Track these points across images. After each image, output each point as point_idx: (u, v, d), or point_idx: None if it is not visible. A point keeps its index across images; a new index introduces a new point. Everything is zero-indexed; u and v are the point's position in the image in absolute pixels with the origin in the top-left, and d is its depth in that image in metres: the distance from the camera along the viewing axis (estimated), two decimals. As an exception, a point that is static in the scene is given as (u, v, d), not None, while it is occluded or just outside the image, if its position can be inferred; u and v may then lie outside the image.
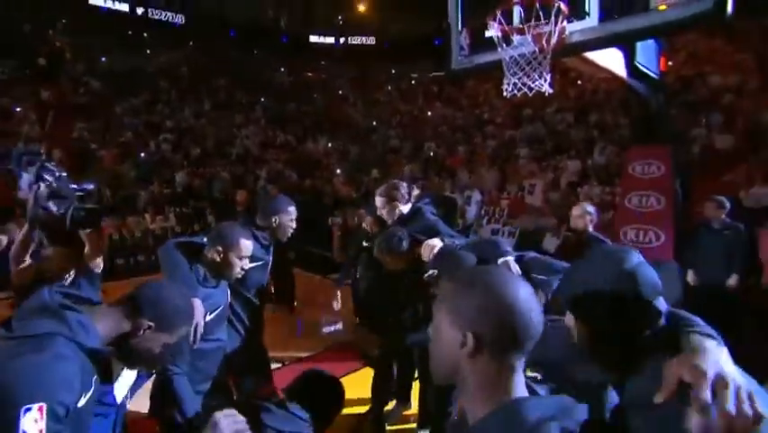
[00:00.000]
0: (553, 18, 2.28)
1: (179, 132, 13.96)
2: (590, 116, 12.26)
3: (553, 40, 2.33)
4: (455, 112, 17.14)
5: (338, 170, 13.48)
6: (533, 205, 7.66)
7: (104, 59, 16.96)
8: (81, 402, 1.21)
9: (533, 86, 2.43)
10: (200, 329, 1.87)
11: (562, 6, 2.30)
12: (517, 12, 2.44)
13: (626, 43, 2.94)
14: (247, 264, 2.06)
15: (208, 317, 1.94)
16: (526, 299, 0.82)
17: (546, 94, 2.44)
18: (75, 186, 1.84)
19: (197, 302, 1.85)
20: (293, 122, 17.31)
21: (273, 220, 2.53)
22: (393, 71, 21.79)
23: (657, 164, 4.66)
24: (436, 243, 2.57)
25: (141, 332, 1.32)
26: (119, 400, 1.53)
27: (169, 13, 19.95)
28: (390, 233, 2.68)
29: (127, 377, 1.56)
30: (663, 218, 4.75)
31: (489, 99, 16.80)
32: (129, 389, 1.60)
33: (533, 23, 2.24)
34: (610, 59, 3.06)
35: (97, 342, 1.28)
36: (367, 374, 3.42)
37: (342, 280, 4.15)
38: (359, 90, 21.17)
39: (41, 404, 1.08)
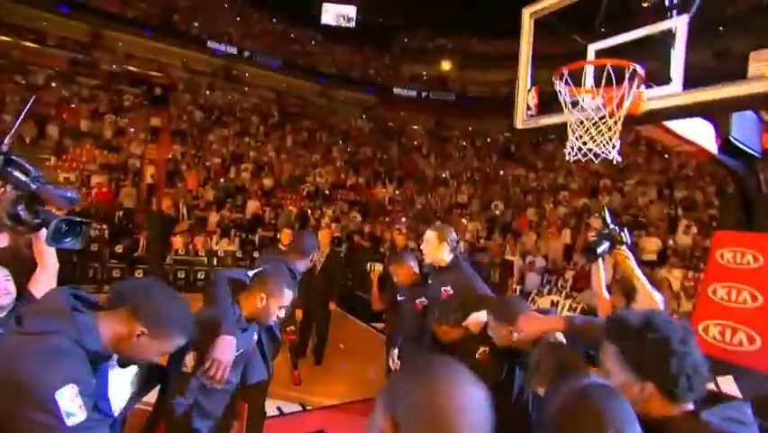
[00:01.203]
0: (626, 82, 2.09)
1: (259, 164, 14.89)
2: (676, 192, 11.34)
3: (626, 104, 2.13)
4: (529, 173, 16.72)
5: (403, 218, 13.52)
6: (618, 289, 7.05)
7: (207, 92, 18.84)
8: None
9: (599, 152, 2.22)
10: (228, 369, 1.78)
11: (639, 69, 2.11)
12: (589, 72, 2.27)
13: (716, 115, 2.61)
14: (283, 313, 2.00)
15: None
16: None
17: (615, 162, 2.21)
18: (59, 192, 1.45)
19: (233, 342, 1.80)
20: (366, 166, 17.84)
21: (311, 257, 2.51)
22: (470, 128, 21.96)
23: (753, 254, 4.06)
24: (483, 316, 2.37)
25: (135, 338, 1.30)
26: (114, 411, 1.48)
27: (269, 57, 22.04)
28: (445, 303, 2.51)
29: (122, 389, 1.52)
30: (759, 319, 4.08)
31: (565, 164, 16.25)
32: (125, 404, 1.56)
33: (603, 85, 2.06)
34: (698, 131, 2.72)
35: (99, 346, 1.28)
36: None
37: (396, 341, 3.56)
38: (434, 143, 21.51)
39: (71, 385, 1.12)
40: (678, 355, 1.06)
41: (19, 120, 1.77)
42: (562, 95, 2.22)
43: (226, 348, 1.78)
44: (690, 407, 1.11)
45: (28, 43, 16.93)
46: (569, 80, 2.19)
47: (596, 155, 2.22)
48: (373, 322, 6.59)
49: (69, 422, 1.08)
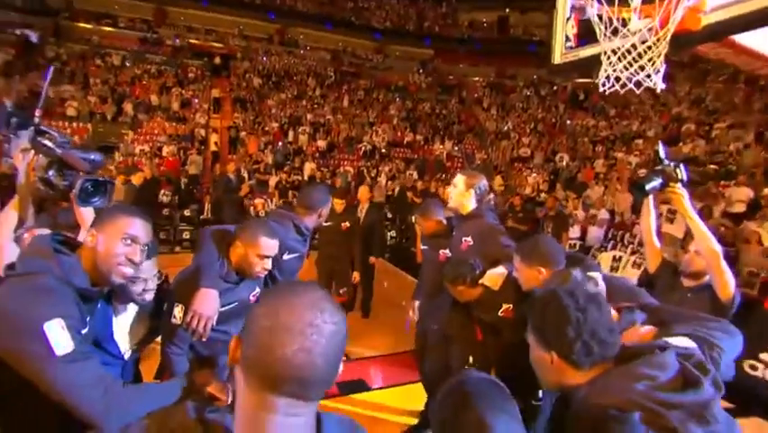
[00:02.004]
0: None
1: (316, 126, 15.06)
2: (777, 136, 9.93)
3: (675, 17, 1.79)
4: (599, 122, 15.43)
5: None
6: (672, 236, 6.43)
7: (264, 58, 19.12)
8: (85, 331, 1.30)
9: (643, 81, 1.92)
10: (211, 323, 1.83)
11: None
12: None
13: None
14: (269, 264, 1.96)
15: (220, 309, 1.90)
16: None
17: (659, 90, 1.91)
18: (82, 154, 1.54)
19: (214, 294, 1.84)
20: (424, 122, 17.42)
21: (318, 212, 2.43)
22: (534, 77, 20.49)
23: None
24: (501, 270, 2.23)
25: (89, 240, 1.36)
26: (123, 350, 1.58)
27: (322, 18, 21.77)
28: (459, 260, 2.37)
29: (124, 327, 1.61)
30: None
31: (641, 110, 14.76)
32: (132, 344, 1.66)
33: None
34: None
35: (85, 282, 1.34)
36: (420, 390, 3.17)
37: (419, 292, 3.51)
38: (495, 94, 20.40)
39: (58, 318, 1.18)
40: (573, 322, 1.08)
41: (44, 91, 1.82)
42: (593, 16, 1.91)
43: (205, 301, 1.81)
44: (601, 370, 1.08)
45: (104, 27, 18.07)
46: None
47: (638, 84, 1.93)
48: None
49: (59, 352, 1.14)
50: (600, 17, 2.02)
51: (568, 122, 16.70)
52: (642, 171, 2.50)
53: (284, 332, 0.67)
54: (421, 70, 21.90)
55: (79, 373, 1.16)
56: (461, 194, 2.56)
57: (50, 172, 1.50)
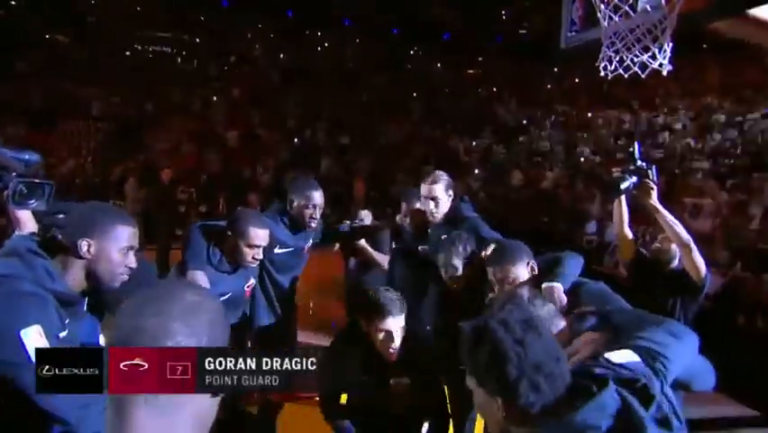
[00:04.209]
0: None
1: (333, 121, 15.08)
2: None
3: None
4: (622, 114, 14.96)
5: (476, 171, 12.98)
6: (698, 231, 6.15)
7: (282, 55, 19.23)
8: (63, 334, 1.28)
9: (648, 62, 1.79)
10: None
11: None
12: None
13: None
14: (259, 254, 1.97)
15: None
16: None
17: (665, 72, 1.78)
18: (15, 155, 1.49)
19: (201, 275, 1.84)
20: (442, 117, 17.23)
21: (288, 203, 2.39)
22: (554, 69, 19.99)
23: None
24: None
25: (86, 250, 1.34)
26: None
27: (340, 17, 21.68)
28: (451, 238, 2.29)
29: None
30: None
31: (667, 101, 14.24)
32: None
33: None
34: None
35: (64, 287, 1.32)
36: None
37: None
38: (515, 88, 20.01)
39: (36, 325, 1.17)
40: (512, 360, 0.92)
41: None
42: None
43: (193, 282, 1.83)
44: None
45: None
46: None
47: (642, 67, 1.80)
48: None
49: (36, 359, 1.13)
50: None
51: (589, 114, 16.27)
52: (616, 170, 2.51)
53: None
54: (438, 64, 21.65)
55: None
56: (439, 203, 2.47)
57: None
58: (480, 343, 0.97)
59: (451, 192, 2.46)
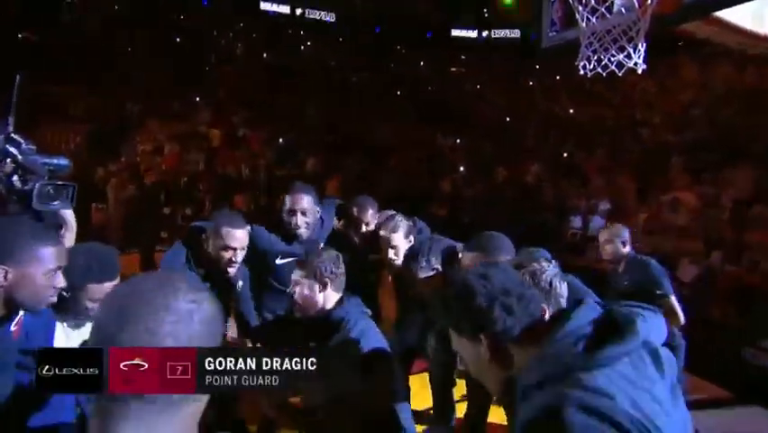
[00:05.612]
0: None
1: (317, 120, 15.03)
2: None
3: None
4: (603, 111, 15.24)
5: (461, 168, 13.07)
6: (675, 224, 6.34)
7: (265, 54, 19.07)
8: None
9: (624, 62, 1.85)
10: None
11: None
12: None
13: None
14: (238, 256, 1.88)
15: None
16: None
17: (640, 71, 1.85)
18: (45, 160, 1.62)
19: None
20: (427, 116, 17.29)
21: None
22: (536, 66, 20.21)
23: None
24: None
25: (1, 279, 1.24)
26: None
27: (322, 12, 21.45)
28: (417, 247, 2.30)
29: (77, 340, 1.58)
30: None
31: (645, 96, 14.53)
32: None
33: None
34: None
35: None
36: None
37: None
38: (498, 86, 20.18)
39: None
40: (480, 291, 0.95)
41: (14, 98, 1.80)
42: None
43: None
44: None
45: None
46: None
47: (619, 66, 1.87)
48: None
49: None
50: (581, -1, 1.96)
51: (571, 111, 16.53)
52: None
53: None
54: (421, 62, 21.70)
55: None
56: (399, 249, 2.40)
57: (14, 178, 1.55)
58: (450, 291, 1.02)
59: (411, 238, 2.39)
